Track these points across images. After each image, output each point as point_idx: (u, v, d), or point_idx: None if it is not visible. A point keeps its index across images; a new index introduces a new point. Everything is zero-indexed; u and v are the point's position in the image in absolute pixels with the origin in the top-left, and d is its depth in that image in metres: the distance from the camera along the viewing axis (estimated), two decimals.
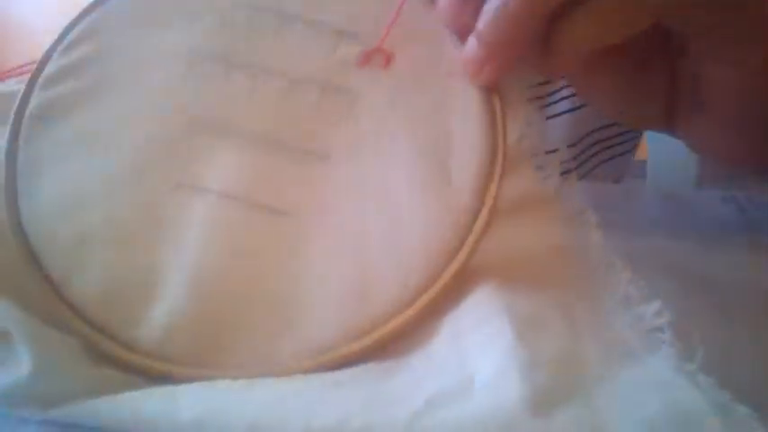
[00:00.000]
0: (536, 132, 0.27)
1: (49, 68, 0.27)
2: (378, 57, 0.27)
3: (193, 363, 0.23)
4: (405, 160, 0.25)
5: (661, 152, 0.84)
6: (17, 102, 0.26)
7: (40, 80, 0.27)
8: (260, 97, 0.27)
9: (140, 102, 0.27)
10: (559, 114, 0.48)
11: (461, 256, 0.24)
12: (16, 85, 0.32)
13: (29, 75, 0.27)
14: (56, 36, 0.27)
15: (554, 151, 0.28)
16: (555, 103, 0.47)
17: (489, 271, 0.24)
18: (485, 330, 0.22)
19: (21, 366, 0.21)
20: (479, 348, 0.21)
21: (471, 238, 0.24)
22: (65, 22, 0.28)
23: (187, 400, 0.21)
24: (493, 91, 0.26)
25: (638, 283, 0.23)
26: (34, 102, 0.27)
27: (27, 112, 0.26)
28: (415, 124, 0.26)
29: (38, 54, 0.27)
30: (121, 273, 0.24)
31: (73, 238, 0.24)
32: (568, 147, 0.48)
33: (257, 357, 0.23)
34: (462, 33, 0.26)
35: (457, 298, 0.24)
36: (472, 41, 0.25)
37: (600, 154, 0.52)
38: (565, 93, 0.48)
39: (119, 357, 0.23)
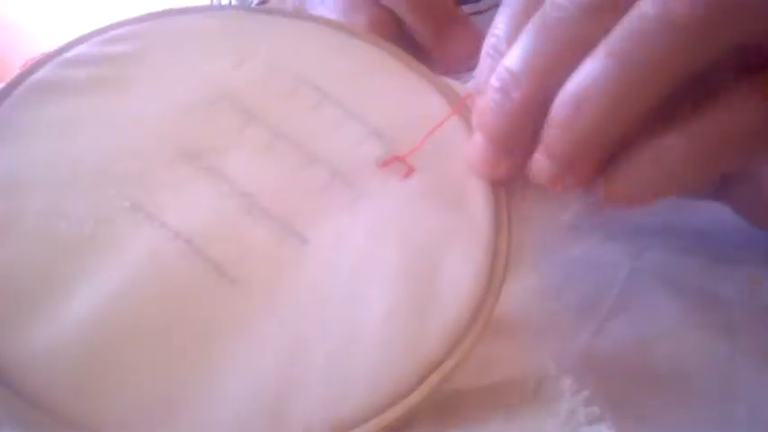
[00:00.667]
0: None
1: (74, 52, 0.26)
2: (400, 166, 0.25)
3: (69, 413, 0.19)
4: (387, 273, 0.22)
5: None
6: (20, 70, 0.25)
7: (58, 59, 0.26)
8: (267, 158, 0.25)
9: (144, 114, 0.25)
10: None
11: (407, 403, 0.20)
12: None
13: None
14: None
15: None
16: None
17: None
18: None
19: None
20: None
21: (424, 386, 0.20)
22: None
23: None
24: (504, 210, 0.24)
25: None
26: (42, 73, 0.25)
27: (28, 80, 0.25)
28: (411, 242, 0.23)
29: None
30: (25, 268, 0.21)
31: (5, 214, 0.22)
32: None
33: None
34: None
35: None
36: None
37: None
38: None
39: None
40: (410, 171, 0.25)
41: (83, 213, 0.22)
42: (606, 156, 0.21)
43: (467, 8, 0.42)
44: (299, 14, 0.33)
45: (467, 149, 0.24)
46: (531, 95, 0.21)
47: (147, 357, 0.20)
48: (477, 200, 0.24)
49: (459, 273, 0.22)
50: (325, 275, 0.22)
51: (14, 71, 0.26)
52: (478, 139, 0.24)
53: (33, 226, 0.22)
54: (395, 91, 0.28)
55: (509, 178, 0.24)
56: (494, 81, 0.22)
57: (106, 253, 0.22)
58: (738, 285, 0.27)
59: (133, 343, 0.20)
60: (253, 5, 0.39)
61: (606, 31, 0.19)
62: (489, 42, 0.24)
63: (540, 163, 0.22)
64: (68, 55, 0.26)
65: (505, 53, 0.22)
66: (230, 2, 0.49)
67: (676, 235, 0.30)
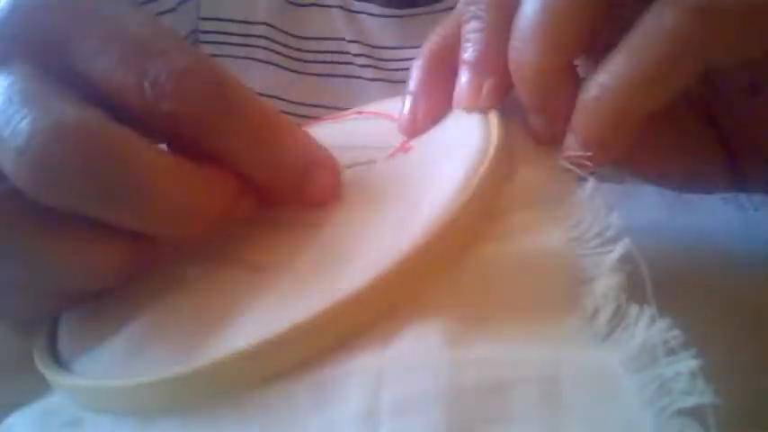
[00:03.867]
0: None
1: None
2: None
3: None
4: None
5: None
6: None
7: None
8: None
9: None
10: None
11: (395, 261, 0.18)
12: None
13: None
14: None
15: None
16: None
17: (443, 304, 0.18)
18: (408, 426, 0.15)
19: None
20: None
21: (417, 245, 0.18)
22: None
23: None
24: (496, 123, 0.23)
25: (664, 328, 0.15)
26: None
27: None
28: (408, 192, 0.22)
29: None
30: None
31: None
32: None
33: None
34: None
35: (387, 334, 0.17)
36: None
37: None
38: None
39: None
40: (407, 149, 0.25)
41: None
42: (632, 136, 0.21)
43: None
44: None
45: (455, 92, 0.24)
46: (495, 19, 0.23)
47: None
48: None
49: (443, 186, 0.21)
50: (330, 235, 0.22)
51: None
52: (460, 74, 0.24)
53: None
54: None
55: (494, 103, 0.24)
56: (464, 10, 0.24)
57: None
58: None
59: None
60: None
61: None
62: None
63: (573, 145, 0.22)
64: None
65: None
66: None
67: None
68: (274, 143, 0.21)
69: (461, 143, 0.22)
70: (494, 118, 0.22)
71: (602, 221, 0.18)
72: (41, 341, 0.24)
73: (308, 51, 0.45)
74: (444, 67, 0.25)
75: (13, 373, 0.23)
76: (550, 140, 0.22)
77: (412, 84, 0.25)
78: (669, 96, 0.20)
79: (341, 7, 0.45)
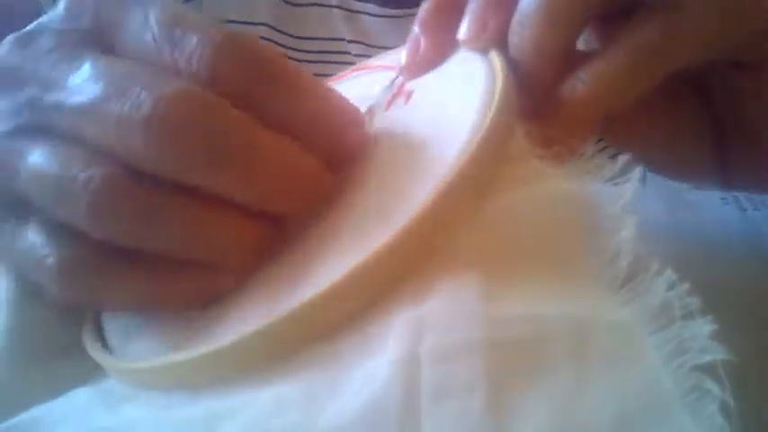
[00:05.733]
0: None
1: None
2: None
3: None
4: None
5: None
6: None
7: None
8: None
9: None
10: None
11: (420, 213, 0.19)
12: None
13: None
14: None
15: None
16: None
17: (474, 258, 0.19)
18: (449, 372, 0.17)
19: None
20: (437, 402, 0.16)
21: (437, 195, 0.19)
22: None
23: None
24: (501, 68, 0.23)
25: (682, 292, 0.16)
26: None
27: None
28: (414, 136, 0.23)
29: None
30: None
31: None
32: None
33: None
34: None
35: (424, 288, 0.18)
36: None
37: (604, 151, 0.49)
38: None
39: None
40: (409, 95, 0.25)
41: None
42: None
43: None
44: None
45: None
46: None
47: None
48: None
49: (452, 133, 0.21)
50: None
51: None
52: (467, 10, 0.25)
53: None
54: None
55: (497, 41, 0.24)
56: None
57: None
58: None
59: None
60: None
61: None
62: None
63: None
64: None
65: None
66: None
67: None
68: (316, 101, 0.22)
69: (467, 84, 0.23)
70: (497, 59, 0.23)
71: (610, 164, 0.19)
72: (90, 327, 0.25)
73: (308, 51, 0.45)
74: (451, 8, 0.25)
75: (58, 358, 0.24)
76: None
77: (417, 22, 0.26)
78: (641, 91, 0.23)
79: (340, 7, 0.45)
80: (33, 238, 0.21)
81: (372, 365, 0.17)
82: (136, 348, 0.23)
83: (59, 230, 0.21)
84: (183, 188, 0.20)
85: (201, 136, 0.19)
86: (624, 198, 0.18)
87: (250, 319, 0.20)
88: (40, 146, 0.20)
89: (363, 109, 0.25)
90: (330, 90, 0.22)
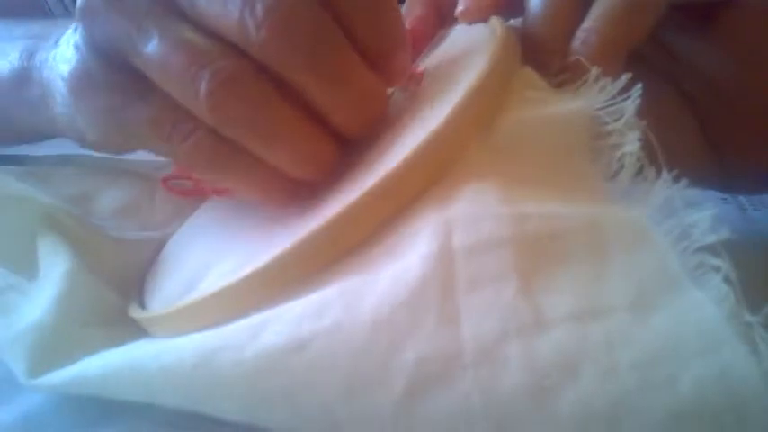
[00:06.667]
0: None
1: None
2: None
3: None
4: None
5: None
6: None
7: None
8: None
9: None
10: None
11: (441, 124, 0.21)
12: None
13: None
14: None
15: None
16: None
17: (492, 168, 0.21)
18: (481, 265, 0.18)
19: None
20: (472, 291, 0.18)
21: (455, 108, 0.21)
22: None
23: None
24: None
25: (683, 186, 0.19)
26: None
27: None
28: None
29: None
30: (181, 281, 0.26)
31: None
32: None
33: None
34: None
35: (448, 197, 0.20)
36: None
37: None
38: None
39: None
40: (421, 79, 0.28)
41: None
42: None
43: None
44: None
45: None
46: None
47: None
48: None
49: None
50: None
51: None
52: None
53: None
54: None
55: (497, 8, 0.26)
56: None
57: None
58: None
59: None
60: None
61: None
62: None
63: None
64: None
65: None
66: None
67: None
68: (386, 13, 0.24)
69: (476, 42, 0.25)
70: (496, 20, 0.25)
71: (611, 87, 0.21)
72: (134, 295, 0.28)
73: None
74: None
75: (110, 323, 0.26)
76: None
77: None
78: (651, 19, 0.24)
79: None
80: (152, 113, 0.24)
81: (405, 261, 0.19)
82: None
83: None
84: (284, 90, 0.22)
85: (306, 34, 0.22)
86: (626, 114, 0.20)
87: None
88: (170, 30, 0.23)
89: None
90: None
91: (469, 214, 0.19)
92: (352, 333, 0.18)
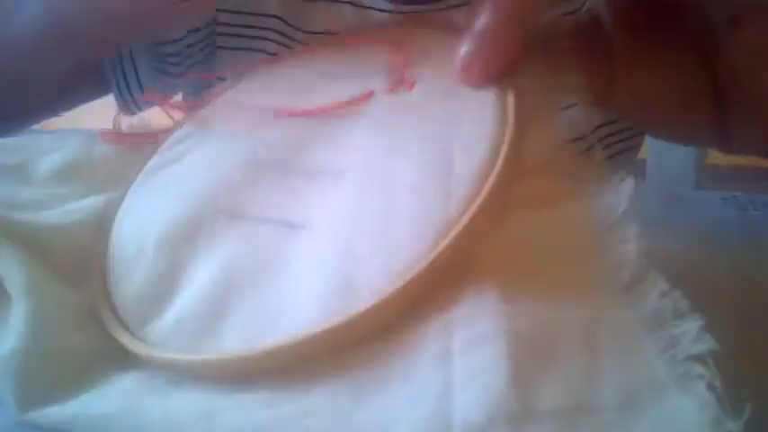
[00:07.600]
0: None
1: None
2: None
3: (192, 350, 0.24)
4: (413, 162, 0.26)
5: (661, 152, 0.80)
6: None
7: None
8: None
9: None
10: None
11: (451, 235, 0.22)
12: None
13: None
14: None
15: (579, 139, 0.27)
16: None
17: (493, 271, 0.22)
18: (477, 357, 0.20)
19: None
20: (467, 382, 0.20)
21: (464, 218, 0.23)
22: None
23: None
24: (509, 91, 0.26)
25: (675, 297, 0.20)
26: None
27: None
28: (428, 131, 0.27)
29: None
30: (154, 278, 0.26)
31: (135, 251, 0.27)
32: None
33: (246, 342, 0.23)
34: None
35: (451, 298, 0.22)
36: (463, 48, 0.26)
37: (606, 150, 0.49)
38: None
39: (131, 351, 0.25)
40: (412, 84, 0.29)
41: (186, 227, 0.27)
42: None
43: None
44: None
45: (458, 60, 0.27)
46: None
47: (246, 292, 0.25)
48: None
49: (472, 148, 0.25)
50: (363, 184, 0.26)
51: None
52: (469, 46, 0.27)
53: (155, 249, 0.27)
54: None
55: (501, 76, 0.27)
56: None
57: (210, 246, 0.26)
58: None
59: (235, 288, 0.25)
60: None
61: None
62: None
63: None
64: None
65: None
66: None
67: None
68: None
69: (477, 101, 0.26)
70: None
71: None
72: (100, 295, 0.27)
73: None
74: None
75: (80, 328, 0.26)
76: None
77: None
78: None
79: (351, 3, 0.46)
80: None
81: (410, 361, 0.21)
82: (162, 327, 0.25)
83: None
84: None
85: None
86: (622, 207, 0.22)
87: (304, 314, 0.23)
88: None
89: (349, 82, 0.30)
90: None
91: (469, 314, 0.21)
92: None
